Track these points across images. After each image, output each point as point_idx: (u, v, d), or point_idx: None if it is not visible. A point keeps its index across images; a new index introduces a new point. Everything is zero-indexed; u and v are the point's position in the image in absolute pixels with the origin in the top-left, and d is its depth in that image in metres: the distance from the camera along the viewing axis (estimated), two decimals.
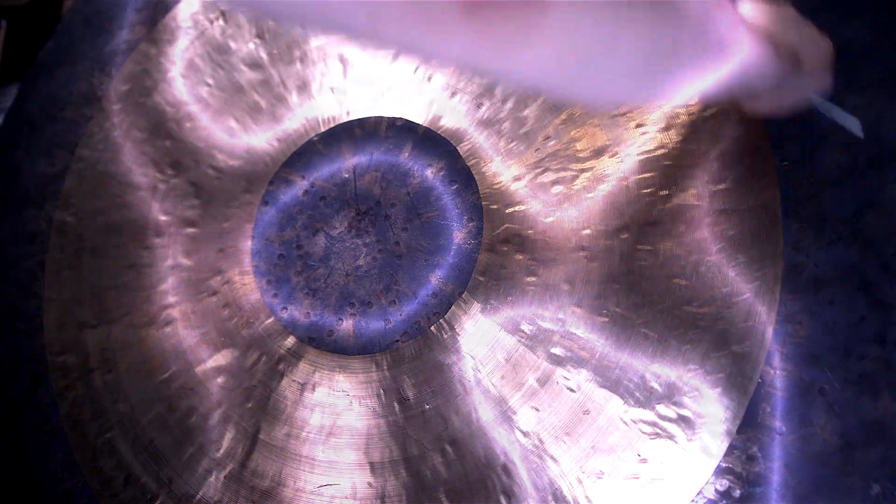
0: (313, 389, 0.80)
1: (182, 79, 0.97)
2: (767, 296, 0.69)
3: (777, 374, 0.67)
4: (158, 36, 1.00)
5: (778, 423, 0.66)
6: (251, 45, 0.96)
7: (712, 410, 0.68)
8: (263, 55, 0.95)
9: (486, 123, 0.83)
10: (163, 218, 0.93)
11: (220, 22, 0.98)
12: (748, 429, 0.67)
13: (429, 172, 0.84)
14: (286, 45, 0.94)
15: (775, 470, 0.66)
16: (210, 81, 0.96)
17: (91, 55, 1.04)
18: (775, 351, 0.68)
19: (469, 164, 0.82)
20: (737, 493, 0.66)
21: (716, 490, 0.67)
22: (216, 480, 0.80)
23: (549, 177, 0.79)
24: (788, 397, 0.67)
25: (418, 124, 0.86)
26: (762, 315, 0.68)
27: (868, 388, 0.65)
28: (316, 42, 0.93)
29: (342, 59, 0.91)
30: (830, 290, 0.68)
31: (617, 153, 0.77)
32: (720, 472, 0.67)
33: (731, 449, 0.67)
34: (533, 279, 0.76)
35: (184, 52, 0.98)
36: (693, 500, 0.67)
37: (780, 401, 0.67)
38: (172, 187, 0.94)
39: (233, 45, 0.96)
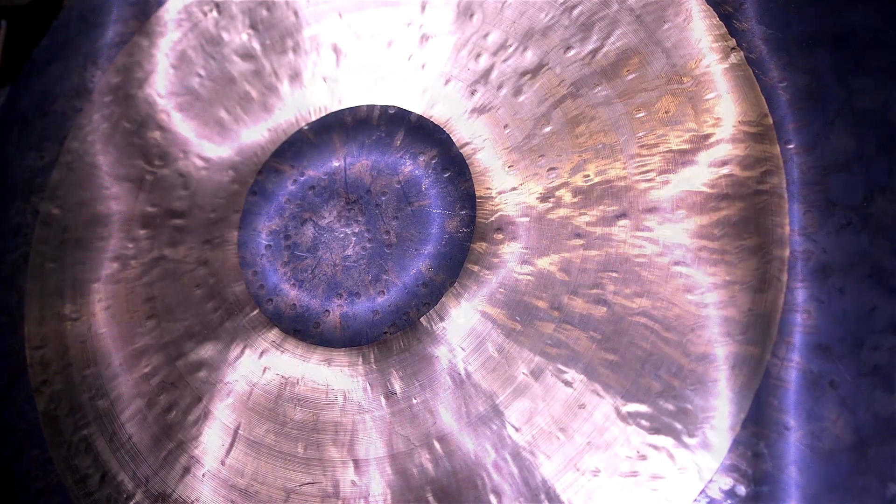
0: (297, 383, 0.77)
1: (173, 70, 0.96)
2: (774, 283, 0.65)
3: (785, 365, 0.63)
4: (152, 28, 0.99)
5: (786, 418, 0.62)
6: (244, 36, 0.94)
7: (716, 404, 0.64)
8: (256, 45, 0.93)
9: (481, 110, 0.80)
10: (149, 209, 0.90)
11: (214, 13, 0.96)
12: (754, 424, 0.63)
13: (421, 160, 0.81)
14: (279, 36, 0.92)
15: (783, 468, 0.61)
16: (202, 72, 0.94)
17: (84, 49, 1.03)
18: (782, 341, 0.64)
19: (462, 151, 0.80)
20: (742, 491, 0.62)
21: (720, 489, 0.62)
22: (194, 478, 0.76)
23: (544, 163, 0.76)
24: (797, 390, 0.63)
25: (411, 112, 0.84)
26: (768, 304, 0.65)
27: (882, 381, 0.61)
28: (309, 31, 0.91)
29: (335, 49, 0.90)
30: (840, 278, 0.64)
31: (616, 138, 0.74)
32: (725, 469, 0.62)
33: (735, 445, 0.63)
34: (527, 268, 0.73)
35: (176, 44, 0.97)
36: (696, 500, 0.62)
37: (788, 394, 0.63)
38: (160, 178, 0.91)
39: (226, 36, 0.95)
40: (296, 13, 0.92)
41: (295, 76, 0.90)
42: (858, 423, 0.61)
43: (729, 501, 0.62)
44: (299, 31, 0.92)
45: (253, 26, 0.94)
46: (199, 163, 0.90)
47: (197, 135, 0.92)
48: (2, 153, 1.04)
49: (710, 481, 0.63)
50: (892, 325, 0.62)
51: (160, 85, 0.96)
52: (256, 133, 0.90)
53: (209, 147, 0.91)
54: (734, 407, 0.63)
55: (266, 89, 0.91)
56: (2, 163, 1.03)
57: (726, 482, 0.62)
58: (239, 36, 0.94)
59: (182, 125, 0.93)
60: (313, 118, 0.88)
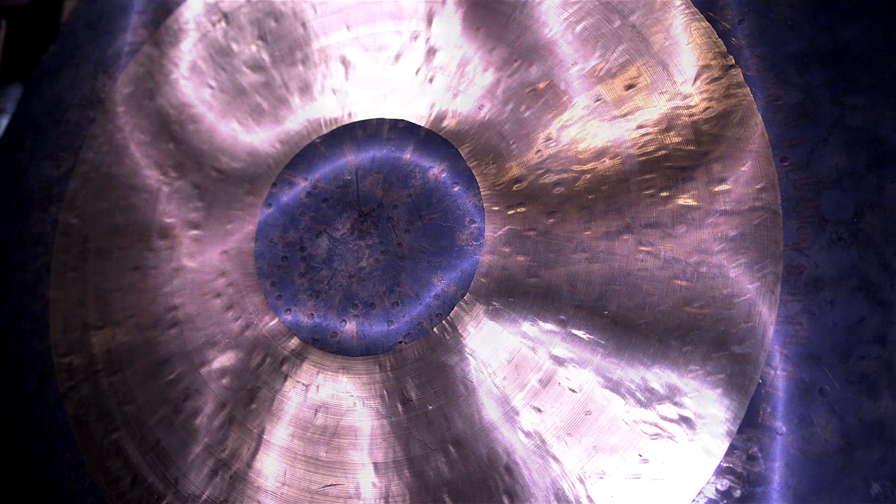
0: (317, 390, 0.81)
1: (185, 81, 0.98)
2: (768, 296, 0.69)
3: (777, 374, 0.68)
4: (161, 38, 1.01)
5: (778, 424, 0.67)
6: (253, 48, 0.96)
7: (713, 411, 0.68)
8: (265, 57, 0.95)
9: (488, 125, 0.83)
10: (167, 220, 0.93)
11: (223, 24, 0.98)
12: (749, 429, 0.67)
13: (431, 174, 0.84)
14: (288, 47, 0.94)
15: (776, 470, 0.66)
16: (213, 83, 0.97)
17: (94, 58, 1.05)
18: (776, 352, 0.68)
19: (471, 165, 0.83)
20: (737, 492, 0.67)
21: (716, 490, 0.67)
22: (222, 480, 0.81)
23: (550, 178, 0.79)
24: (789, 398, 0.67)
25: (420, 126, 0.86)
26: (763, 316, 0.69)
27: (868, 389, 0.66)
28: (318, 44, 0.93)
29: (344, 61, 0.92)
30: (831, 291, 0.68)
31: (618, 154, 0.77)
32: (721, 472, 0.67)
33: (731, 449, 0.67)
34: (534, 280, 0.77)
35: (186, 55, 0.99)
36: (694, 500, 0.67)
37: (780, 401, 0.67)
38: (176, 189, 0.94)
39: (235, 47, 0.97)
40: (304, 25, 0.94)
41: (305, 88, 0.92)
42: (846, 428, 0.66)
43: (725, 502, 0.67)
44: (308, 43, 0.94)
45: (262, 37, 0.96)
46: (214, 174, 0.93)
47: (210, 146, 0.94)
48: (16, 161, 1.06)
49: (708, 483, 0.67)
50: (879, 336, 0.67)
51: (172, 96, 0.98)
52: (269, 145, 0.92)
53: (223, 159, 0.93)
54: (730, 414, 0.68)
55: (277, 101, 0.93)
56: (17, 171, 1.06)
57: (723, 483, 0.67)
58: (248, 47, 0.96)
59: (195, 137, 0.95)
60: (325, 131, 0.90)
